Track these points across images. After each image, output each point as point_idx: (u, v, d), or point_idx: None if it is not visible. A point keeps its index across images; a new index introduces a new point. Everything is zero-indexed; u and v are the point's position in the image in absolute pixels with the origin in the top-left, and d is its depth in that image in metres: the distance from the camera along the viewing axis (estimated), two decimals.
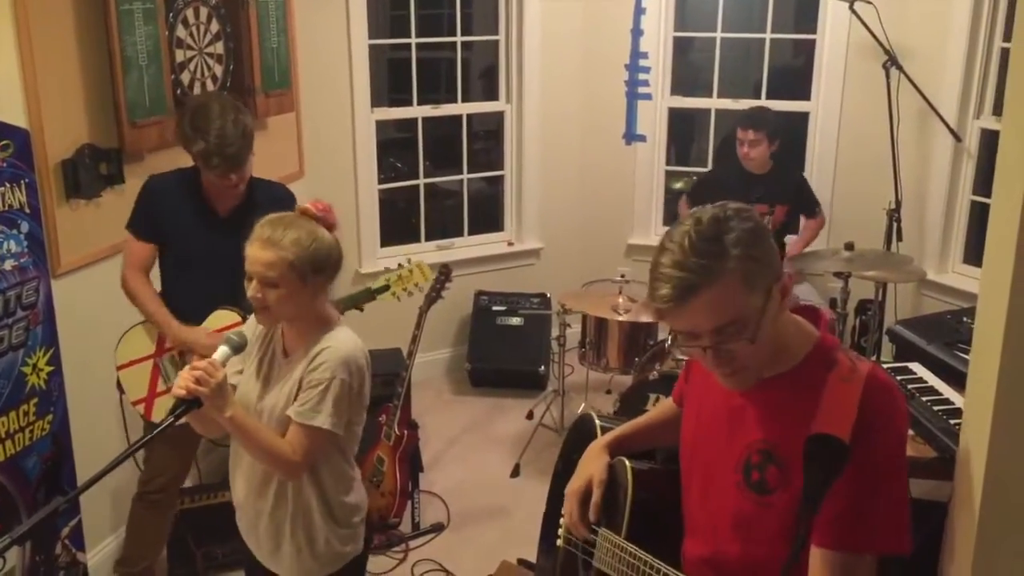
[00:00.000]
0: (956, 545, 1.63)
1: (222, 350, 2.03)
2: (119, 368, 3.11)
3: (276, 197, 3.11)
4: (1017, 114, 1.41)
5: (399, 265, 3.60)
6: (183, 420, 2.00)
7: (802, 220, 4.89)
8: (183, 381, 1.92)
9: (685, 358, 3.93)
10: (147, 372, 3.10)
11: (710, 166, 5.43)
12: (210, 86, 3.82)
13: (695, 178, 5.78)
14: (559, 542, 2.04)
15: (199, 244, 3.03)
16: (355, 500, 2.30)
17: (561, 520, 2.03)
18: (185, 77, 3.64)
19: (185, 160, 3.10)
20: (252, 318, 2.30)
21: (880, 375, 1.53)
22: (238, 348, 2.08)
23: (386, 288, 3.55)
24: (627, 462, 1.88)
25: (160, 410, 3.09)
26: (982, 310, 1.61)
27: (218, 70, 3.88)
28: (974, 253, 4.88)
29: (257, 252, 2.06)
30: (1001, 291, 1.30)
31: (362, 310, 3.52)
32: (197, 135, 2.87)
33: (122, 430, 3.21)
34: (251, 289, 2.08)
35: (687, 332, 1.51)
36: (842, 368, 1.53)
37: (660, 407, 2.05)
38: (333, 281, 2.19)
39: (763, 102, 5.09)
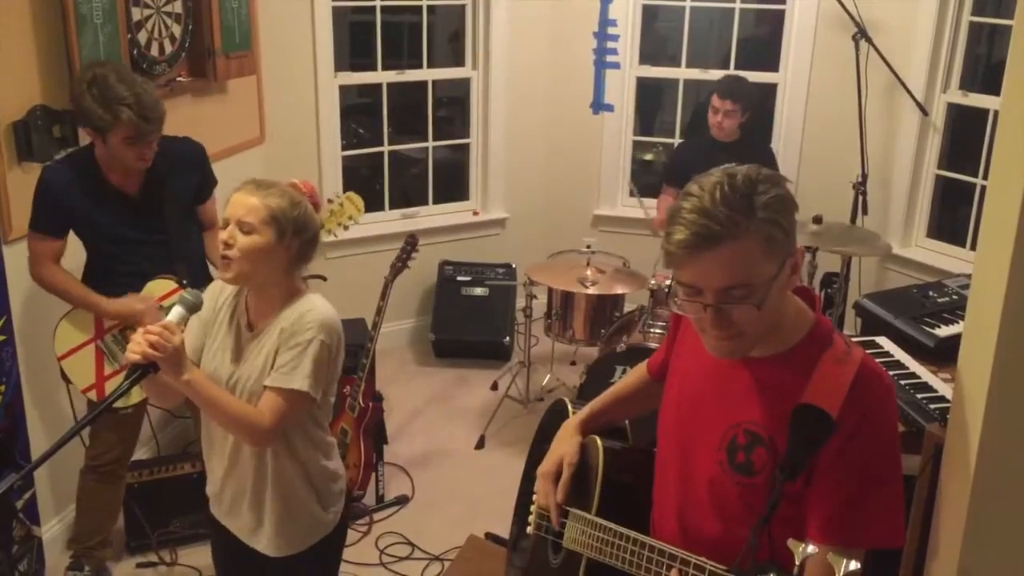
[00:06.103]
0: (942, 520, 1.62)
1: (176, 311, 1.93)
2: (60, 359, 2.96)
3: (183, 155, 3.02)
4: (1018, 91, 1.38)
5: (328, 200, 3.46)
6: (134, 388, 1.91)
7: None
8: (137, 346, 1.83)
9: (658, 331, 3.95)
10: (91, 357, 2.97)
11: (678, 139, 5.38)
12: (168, 47, 3.69)
13: (661, 149, 5.73)
14: (530, 529, 2.00)
15: (118, 230, 2.91)
16: (334, 467, 2.27)
17: (532, 507, 1.99)
18: (142, 37, 3.51)
19: None
20: (211, 286, 2.22)
21: (872, 363, 1.52)
22: (193, 308, 1.98)
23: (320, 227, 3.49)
24: (599, 441, 1.84)
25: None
26: (977, 284, 1.59)
27: (176, 30, 3.75)
28: (938, 227, 4.92)
29: (242, 196, 2.03)
30: (1000, 267, 1.28)
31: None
32: (113, 106, 2.67)
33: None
34: (224, 233, 2.01)
35: (692, 286, 1.46)
36: (837, 349, 1.52)
37: (631, 376, 2.02)
38: (310, 258, 2.14)
39: (731, 73, 5.05)
